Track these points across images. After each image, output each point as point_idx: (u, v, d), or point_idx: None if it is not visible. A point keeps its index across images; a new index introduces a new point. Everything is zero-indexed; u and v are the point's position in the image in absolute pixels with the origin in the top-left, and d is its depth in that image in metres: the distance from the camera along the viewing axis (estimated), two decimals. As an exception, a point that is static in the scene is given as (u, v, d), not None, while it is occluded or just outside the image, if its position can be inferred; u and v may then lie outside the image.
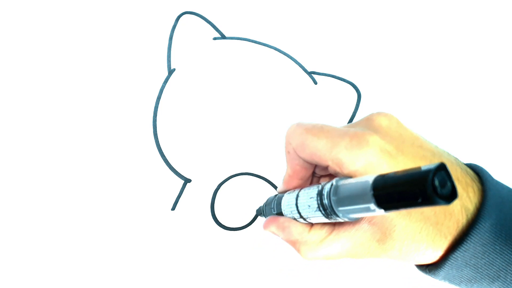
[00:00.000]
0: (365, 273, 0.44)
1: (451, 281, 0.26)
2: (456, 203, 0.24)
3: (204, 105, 0.46)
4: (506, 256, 0.24)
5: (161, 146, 0.45)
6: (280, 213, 0.30)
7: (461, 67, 0.48)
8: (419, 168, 0.18)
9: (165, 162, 0.44)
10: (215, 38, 0.47)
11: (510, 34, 0.48)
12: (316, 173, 0.31)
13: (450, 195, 0.17)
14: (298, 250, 0.28)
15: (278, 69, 0.47)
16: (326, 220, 0.25)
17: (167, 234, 0.43)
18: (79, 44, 0.46)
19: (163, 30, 0.46)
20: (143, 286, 0.42)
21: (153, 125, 0.45)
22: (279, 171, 0.45)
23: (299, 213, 0.27)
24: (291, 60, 0.47)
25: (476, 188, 0.25)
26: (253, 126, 0.46)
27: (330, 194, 0.23)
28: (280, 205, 0.30)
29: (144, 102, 0.45)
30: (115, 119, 0.45)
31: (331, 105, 0.47)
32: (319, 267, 0.44)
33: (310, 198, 0.25)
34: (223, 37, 0.47)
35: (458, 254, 0.24)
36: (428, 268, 0.26)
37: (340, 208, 0.23)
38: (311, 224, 0.27)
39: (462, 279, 0.25)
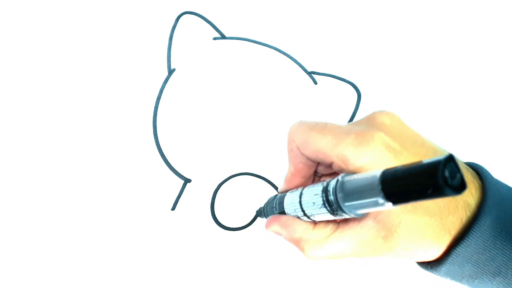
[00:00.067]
0: (365, 273, 0.44)
1: (452, 277, 0.26)
2: (459, 199, 0.24)
3: (204, 105, 0.46)
4: (507, 252, 0.24)
5: (161, 146, 0.45)
6: (282, 212, 0.30)
7: (460, 67, 0.48)
8: (424, 161, 0.18)
9: (165, 162, 0.44)
10: (215, 38, 0.47)
11: (510, 34, 0.48)
12: (318, 172, 0.31)
13: (460, 186, 0.17)
14: (302, 249, 0.28)
15: (278, 69, 0.47)
16: (331, 217, 0.25)
17: (167, 234, 0.43)
18: (79, 44, 0.46)
19: (163, 30, 0.46)
20: (143, 286, 0.42)
21: (153, 125, 0.45)
22: (279, 171, 0.45)
23: (302, 211, 0.27)
24: (291, 60, 0.47)
25: (477, 185, 0.25)
26: (253, 126, 0.46)
27: (336, 190, 0.23)
28: (283, 204, 0.29)
29: (144, 102, 0.45)
30: (115, 119, 0.45)
31: (331, 105, 0.47)
32: (319, 267, 0.44)
33: (315, 195, 0.25)
34: (223, 37, 0.47)
35: (460, 250, 0.24)
36: (430, 264, 0.26)
37: (347, 204, 0.23)
38: (315, 222, 0.27)
39: (463, 275, 0.25)
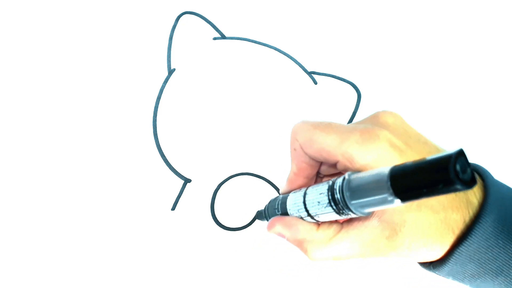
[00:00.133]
0: (365, 273, 0.44)
1: (455, 276, 0.26)
2: (462, 197, 0.24)
3: (204, 105, 0.46)
4: (509, 251, 0.24)
5: (161, 146, 0.45)
6: (284, 214, 0.29)
7: (461, 67, 0.48)
8: (433, 156, 0.17)
9: (165, 162, 0.44)
10: (215, 38, 0.47)
11: (510, 34, 0.48)
12: (320, 173, 0.30)
13: (470, 181, 0.17)
14: (305, 250, 0.27)
15: (278, 69, 0.47)
16: (337, 217, 0.25)
17: (167, 234, 0.43)
18: (79, 44, 0.46)
19: (163, 30, 0.46)
20: (143, 286, 0.42)
21: (153, 125, 0.45)
22: (279, 171, 0.45)
23: (306, 211, 0.26)
24: (291, 60, 0.47)
25: (479, 184, 0.25)
26: (253, 126, 0.46)
27: (343, 188, 0.23)
28: (285, 205, 0.29)
29: (144, 102, 0.45)
30: (115, 119, 0.45)
31: (331, 105, 0.47)
32: (319, 267, 0.44)
33: (320, 194, 0.25)
34: (223, 37, 0.47)
35: (463, 249, 0.24)
36: (433, 264, 0.26)
37: (354, 202, 0.22)
38: (318, 223, 0.27)
39: (465, 274, 0.25)
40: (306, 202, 0.26)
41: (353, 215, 0.24)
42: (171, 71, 0.46)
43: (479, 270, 0.25)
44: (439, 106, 0.47)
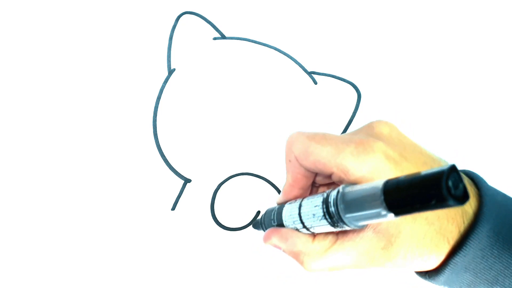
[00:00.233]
0: (364, 278, 0.44)
1: (451, 286, 0.26)
2: (458, 208, 0.24)
3: (204, 105, 0.46)
4: (504, 260, 0.24)
5: (161, 146, 0.45)
6: (280, 225, 0.29)
7: (461, 67, 0.48)
8: (426, 171, 0.17)
9: (165, 162, 0.44)
10: (215, 38, 0.47)
11: (511, 35, 0.48)
12: (316, 183, 0.30)
13: (462, 196, 0.17)
14: (302, 262, 0.27)
15: (278, 69, 0.47)
16: (332, 229, 0.25)
17: (167, 234, 0.43)
18: (79, 44, 0.46)
19: (163, 30, 0.46)
20: (143, 286, 0.42)
21: (153, 125, 0.45)
22: (279, 171, 0.45)
23: (302, 223, 0.26)
24: (291, 60, 0.47)
25: (474, 193, 0.25)
26: (253, 126, 0.46)
27: (337, 201, 0.23)
28: (281, 216, 0.29)
29: (144, 102, 0.45)
30: (115, 119, 0.45)
31: (331, 105, 0.47)
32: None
33: (315, 206, 0.25)
34: (223, 37, 0.47)
35: (458, 259, 0.24)
36: (428, 274, 0.26)
37: (348, 215, 0.22)
38: (314, 235, 0.27)
39: (461, 284, 0.25)
40: (302, 214, 0.26)
41: (347, 228, 0.24)
42: (171, 71, 0.46)
43: (474, 279, 0.25)
44: (439, 106, 0.47)
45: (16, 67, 0.45)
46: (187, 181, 0.44)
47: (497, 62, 0.48)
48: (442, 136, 0.46)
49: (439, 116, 0.47)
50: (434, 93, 0.47)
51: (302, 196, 0.29)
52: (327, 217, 0.24)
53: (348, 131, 0.46)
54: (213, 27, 0.47)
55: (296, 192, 0.30)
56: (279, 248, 0.29)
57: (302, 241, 0.27)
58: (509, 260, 0.24)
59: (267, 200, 0.44)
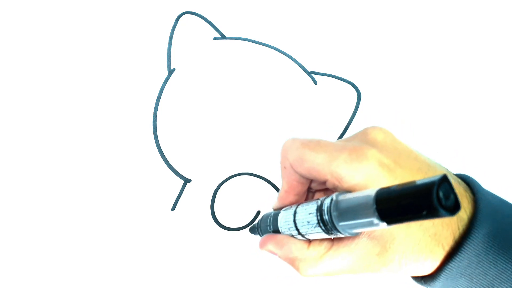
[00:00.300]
0: (362, 280, 0.44)
1: None
2: None
3: (204, 105, 0.46)
4: (500, 266, 0.24)
5: (161, 146, 0.45)
6: (276, 231, 0.30)
7: (461, 67, 0.48)
8: (418, 181, 0.18)
9: (165, 162, 0.44)
10: (215, 38, 0.47)
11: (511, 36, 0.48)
12: (312, 188, 0.31)
13: (454, 207, 0.17)
14: (297, 268, 0.28)
15: (278, 69, 0.47)
16: (326, 236, 0.25)
17: (167, 234, 0.43)
18: (79, 44, 0.46)
19: (163, 30, 0.46)
20: (143, 286, 0.42)
21: (153, 125, 0.45)
22: (279, 171, 0.45)
23: (297, 229, 0.27)
24: (291, 60, 0.47)
25: (469, 198, 0.25)
26: (253, 126, 0.46)
27: (331, 210, 0.23)
28: (277, 222, 0.29)
29: (144, 102, 0.45)
30: (115, 119, 0.45)
31: (331, 105, 0.47)
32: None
33: (309, 214, 0.25)
34: (223, 37, 0.47)
35: (454, 265, 0.24)
36: (424, 279, 0.26)
37: (341, 223, 0.23)
38: (309, 241, 0.27)
39: None
40: (296, 221, 0.27)
41: (341, 235, 0.24)
42: (171, 71, 0.46)
43: (470, 285, 0.25)
44: (439, 106, 0.47)
45: (16, 68, 0.45)
46: (187, 181, 0.44)
47: (497, 62, 0.48)
48: (442, 136, 0.46)
49: (439, 116, 0.47)
50: (434, 93, 0.47)
51: (298, 202, 0.29)
52: (321, 224, 0.24)
53: (348, 131, 0.46)
54: (213, 27, 0.47)
55: (291, 198, 0.30)
56: (275, 254, 0.29)
57: (297, 248, 0.27)
58: (504, 265, 0.24)
59: (267, 200, 0.44)
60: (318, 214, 0.24)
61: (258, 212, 0.44)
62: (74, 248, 0.43)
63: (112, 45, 0.46)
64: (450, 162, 0.45)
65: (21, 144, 0.44)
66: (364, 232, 0.25)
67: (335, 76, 0.47)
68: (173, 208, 0.44)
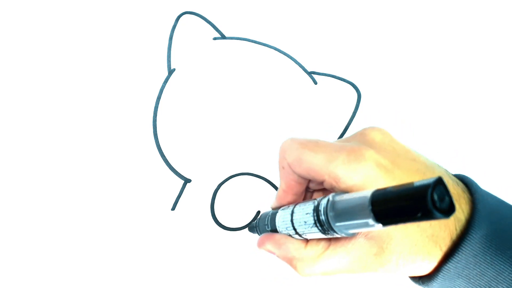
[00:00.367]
0: (361, 279, 0.44)
1: None
2: None
3: (204, 105, 0.46)
4: (497, 267, 0.24)
5: (161, 146, 0.45)
6: (274, 230, 0.30)
7: (461, 67, 0.48)
8: (414, 183, 0.18)
9: (165, 162, 0.44)
10: (215, 38, 0.47)
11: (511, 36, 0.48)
12: (310, 188, 0.31)
13: (448, 209, 0.17)
14: (295, 267, 0.28)
15: (278, 69, 0.47)
16: (323, 236, 0.25)
17: (167, 234, 0.43)
18: (79, 44, 0.46)
19: (163, 30, 0.46)
20: (143, 286, 0.43)
21: (153, 125, 0.45)
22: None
23: (294, 229, 0.27)
24: (291, 60, 0.47)
25: (467, 199, 0.25)
26: (253, 126, 0.46)
27: (327, 210, 0.23)
28: (275, 222, 0.29)
29: (144, 102, 0.45)
30: (115, 119, 0.45)
31: (331, 105, 0.47)
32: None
33: (306, 214, 0.25)
34: (223, 37, 0.47)
35: (451, 266, 0.24)
36: (422, 279, 0.26)
37: (338, 224, 0.23)
38: (307, 240, 0.27)
39: None
40: (294, 221, 0.27)
41: (338, 236, 0.24)
42: (171, 71, 0.46)
43: (467, 286, 0.25)
44: (439, 106, 0.47)
45: (16, 68, 0.45)
46: (187, 181, 0.44)
47: (497, 62, 0.48)
48: (442, 136, 0.46)
49: (439, 116, 0.47)
50: (434, 93, 0.47)
51: (296, 202, 0.29)
52: (317, 224, 0.24)
53: (348, 131, 0.46)
54: (213, 27, 0.47)
55: (289, 198, 0.30)
56: (273, 253, 0.30)
57: (295, 247, 0.27)
58: (502, 266, 0.24)
59: (267, 200, 0.44)
60: (315, 214, 0.24)
61: (258, 212, 0.44)
62: (74, 248, 0.43)
63: (112, 45, 0.46)
64: (450, 162, 0.45)
65: (21, 144, 0.44)
66: (361, 232, 0.25)
67: (335, 76, 0.47)
68: (173, 208, 0.44)
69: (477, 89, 0.47)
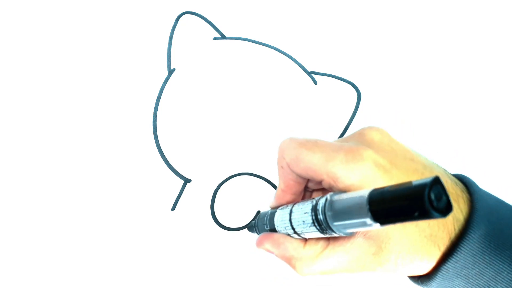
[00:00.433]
0: (361, 279, 0.44)
1: None
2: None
3: (204, 105, 0.46)
4: (496, 266, 0.24)
5: (161, 146, 0.45)
6: (273, 229, 0.30)
7: (461, 67, 0.48)
8: (412, 182, 0.18)
9: (165, 162, 0.44)
10: (215, 38, 0.47)
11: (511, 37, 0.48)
12: (309, 188, 0.31)
13: (445, 208, 0.17)
14: (294, 266, 0.28)
15: (278, 69, 0.47)
16: (321, 235, 0.25)
17: (167, 234, 0.43)
18: (79, 44, 0.46)
19: (163, 30, 0.46)
20: (143, 286, 0.43)
21: (153, 125, 0.45)
22: (279, 171, 0.45)
23: (293, 228, 0.27)
24: (291, 60, 0.47)
25: (465, 199, 0.25)
26: (253, 126, 0.46)
27: (325, 209, 0.23)
28: (273, 221, 0.29)
29: (144, 102, 0.45)
30: (115, 119, 0.45)
31: (331, 105, 0.47)
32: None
33: (305, 213, 0.25)
34: (223, 37, 0.47)
35: (450, 265, 0.24)
36: (421, 279, 0.26)
37: (336, 223, 0.23)
38: (305, 240, 0.27)
39: None
40: (292, 221, 0.27)
41: (336, 235, 0.24)
42: (171, 71, 0.46)
43: (466, 285, 0.25)
44: (439, 106, 0.47)
45: (16, 68, 0.45)
46: (187, 181, 0.44)
47: (497, 62, 0.48)
48: (442, 136, 0.46)
49: (439, 116, 0.47)
50: (434, 93, 0.47)
51: (294, 201, 0.29)
52: (316, 224, 0.24)
53: (348, 131, 0.46)
54: (213, 27, 0.47)
55: (288, 197, 0.30)
56: (272, 253, 0.30)
57: (293, 247, 0.28)
58: (500, 266, 0.24)
59: (267, 200, 0.44)
60: (313, 213, 0.24)
61: (258, 212, 0.44)
62: (74, 247, 0.43)
63: (112, 45, 0.46)
64: (450, 162, 0.45)
65: (21, 145, 0.44)
66: (360, 232, 0.25)
67: (335, 76, 0.47)
68: (173, 208, 0.44)
69: (477, 89, 0.47)
